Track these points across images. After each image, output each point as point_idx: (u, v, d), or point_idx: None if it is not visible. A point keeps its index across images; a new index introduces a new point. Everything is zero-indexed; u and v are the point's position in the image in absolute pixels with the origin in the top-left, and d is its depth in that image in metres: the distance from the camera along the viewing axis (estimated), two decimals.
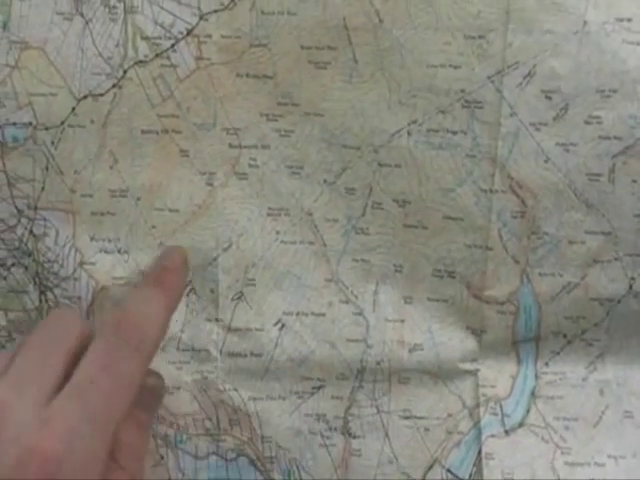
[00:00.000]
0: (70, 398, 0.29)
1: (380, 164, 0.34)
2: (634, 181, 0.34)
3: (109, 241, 0.35)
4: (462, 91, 0.34)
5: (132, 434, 0.31)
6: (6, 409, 0.28)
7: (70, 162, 0.34)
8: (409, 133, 0.34)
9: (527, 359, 0.36)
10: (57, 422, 0.28)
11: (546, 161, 0.34)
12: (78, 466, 0.27)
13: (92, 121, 0.34)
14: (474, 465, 0.35)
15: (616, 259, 0.35)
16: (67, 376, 0.29)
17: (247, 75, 0.34)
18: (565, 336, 0.36)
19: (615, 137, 0.34)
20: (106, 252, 0.35)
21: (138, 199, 0.34)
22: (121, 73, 0.33)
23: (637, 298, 0.35)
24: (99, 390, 0.29)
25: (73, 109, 0.34)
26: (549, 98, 0.34)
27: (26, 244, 0.35)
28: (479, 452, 0.35)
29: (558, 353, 0.36)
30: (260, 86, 0.34)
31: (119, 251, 0.35)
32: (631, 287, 0.35)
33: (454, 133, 0.34)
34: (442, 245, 0.35)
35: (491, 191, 0.34)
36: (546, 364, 0.36)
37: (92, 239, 0.35)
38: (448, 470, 0.35)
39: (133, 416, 0.31)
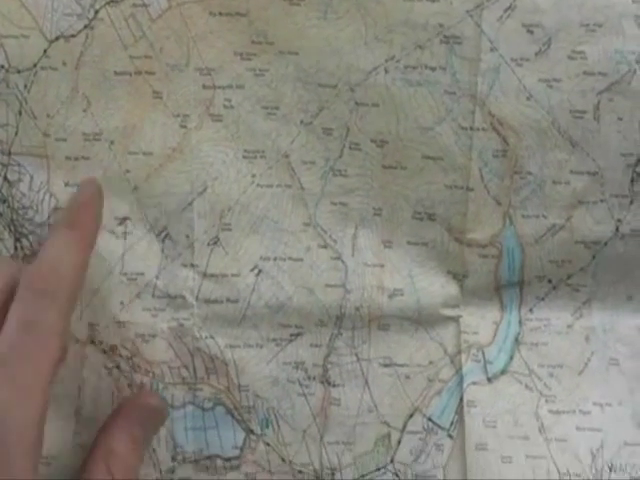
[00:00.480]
0: None
1: (357, 103, 0.33)
2: (620, 119, 0.33)
3: None
4: (440, 26, 0.33)
5: (126, 448, 0.31)
6: None
7: (43, 106, 0.33)
8: (386, 70, 0.33)
9: (511, 305, 0.35)
10: None
11: (528, 98, 0.33)
12: (12, 439, 0.27)
13: (64, 63, 0.33)
14: (455, 413, 0.34)
15: (602, 200, 0.34)
16: None
17: (220, 13, 0.33)
18: (550, 281, 0.35)
19: (600, 73, 0.33)
20: None
21: (112, 143, 0.33)
22: (92, 13, 0.33)
23: (624, 241, 0.34)
24: (21, 355, 0.28)
25: (45, 51, 0.33)
26: (531, 32, 0.33)
27: (0, 191, 0.34)
28: (461, 400, 0.34)
29: (543, 299, 0.35)
30: (233, 24, 0.33)
31: None
32: (617, 229, 0.34)
33: (432, 69, 0.33)
34: (421, 186, 0.34)
35: (471, 129, 0.33)
36: (530, 310, 0.35)
37: (67, 184, 0.34)
38: (429, 419, 0.34)
39: (129, 431, 0.31)
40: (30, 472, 0.27)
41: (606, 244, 0.34)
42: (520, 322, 0.35)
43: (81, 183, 0.33)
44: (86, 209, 0.33)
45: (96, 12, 0.33)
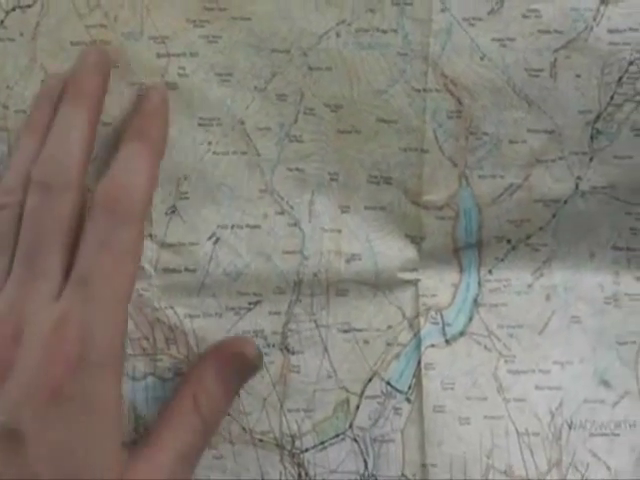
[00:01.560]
0: (77, 289, 0.28)
1: (310, 67, 0.33)
2: (578, 76, 0.33)
3: None
4: None
5: (218, 389, 0.31)
6: (22, 312, 0.28)
7: (2, 77, 0.33)
8: (338, 34, 0.33)
9: (469, 267, 0.35)
10: (71, 319, 0.28)
11: (482, 57, 0.33)
12: (99, 361, 0.28)
13: (21, 34, 0.33)
14: (414, 376, 0.34)
15: (561, 158, 0.34)
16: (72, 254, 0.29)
17: None
18: (509, 241, 0.34)
19: (556, 31, 0.33)
20: None
21: None
22: None
23: (584, 198, 0.34)
24: (101, 274, 0.28)
25: (2, 22, 0.33)
26: None
27: None
28: (419, 363, 0.34)
29: (502, 260, 0.35)
30: None
31: None
32: (577, 186, 0.34)
33: (384, 32, 0.33)
34: (377, 150, 0.34)
35: (424, 90, 0.33)
36: (489, 272, 0.35)
37: None
38: (387, 383, 0.34)
39: (223, 374, 0.31)
40: (117, 388, 0.29)
41: (566, 202, 0.34)
42: (479, 283, 0.35)
43: (147, 90, 0.33)
44: (155, 118, 0.32)
45: None
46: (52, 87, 0.33)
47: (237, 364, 0.32)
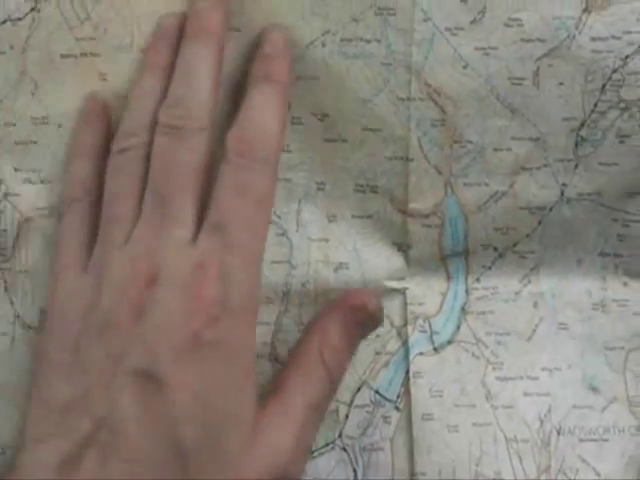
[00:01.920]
0: (214, 234, 0.28)
1: (297, 77, 0.33)
2: (561, 84, 0.33)
3: (33, 171, 0.34)
4: None
5: (342, 343, 0.31)
6: (156, 255, 0.28)
7: None
8: (323, 44, 0.33)
9: (457, 275, 0.35)
10: (209, 264, 0.27)
11: (465, 67, 0.33)
12: (238, 306, 0.28)
13: (12, 47, 0.33)
14: (402, 385, 0.34)
15: (545, 165, 0.34)
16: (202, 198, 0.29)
17: None
18: (496, 249, 0.35)
19: (538, 39, 0.33)
20: (30, 182, 0.34)
21: (59, 126, 0.34)
22: None
23: (570, 205, 0.34)
24: (239, 220, 0.28)
25: None
26: (464, 2, 0.33)
27: None
28: (407, 371, 0.34)
29: (489, 267, 0.35)
30: (175, 3, 0.33)
31: (42, 181, 0.34)
32: (563, 193, 0.34)
33: (368, 41, 0.33)
34: (363, 158, 0.34)
35: (408, 99, 0.33)
36: (477, 279, 0.35)
37: (16, 170, 0.34)
38: (376, 391, 0.34)
39: (346, 328, 0.31)
40: (253, 335, 0.28)
41: (551, 209, 0.34)
42: (467, 291, 0.35)
43: (267, 32, 0.32)
44: (280, 60, 0.32)
45: None
46: (168, 26, 0.32)
47: (360, 317, 0.32)
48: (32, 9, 0.33)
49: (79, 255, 0.30)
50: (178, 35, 0.32)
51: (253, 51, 0.33)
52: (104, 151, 0.32)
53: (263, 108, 0.30)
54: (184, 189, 0.29)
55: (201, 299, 0.27)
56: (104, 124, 0.33)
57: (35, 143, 0.33)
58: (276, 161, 0.30)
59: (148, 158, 0.30)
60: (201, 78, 0.30)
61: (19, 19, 0.33)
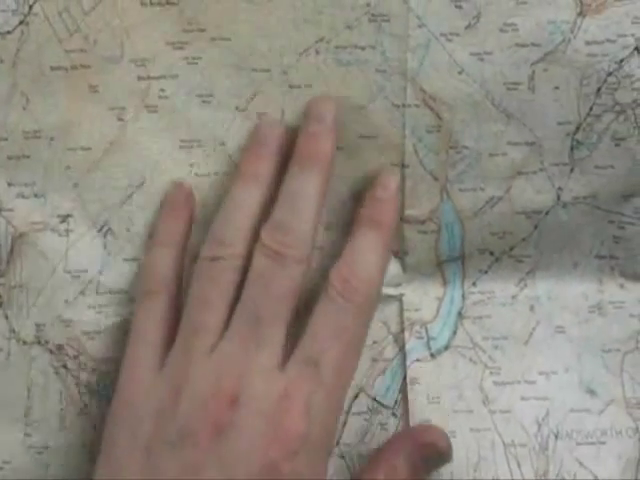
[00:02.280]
0: (305, 368, 0.28)
1: (290, 86, 0.33)
2: (556, 88, 0.33)
3: (26, 185, 0.34)
4: (367, 5, 0.33)
5: (407, 476, 0.31)
6: (243, 375, 0.28)
7: None
8: (317, 52, 0.33)
9: (453, 280, 0.35)
10: (296, 397, 0.28)
11: (460, 72, 0.33)
12: (317, 443, 0.28)
13: (2, 60, 0.33)
14: (400, 391, 0.34)
15: (541, 169, 0.34)
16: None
17: (151, 3, 0.33)
18: (492, 253, 0.35)
19: (533, 44, 0.33)
20: (23, 197, 0.34)
21: (51, 139, 0.34)
22: (27, 9, 0.33)
23: (566, 208, 0.34)
24: (332, 360, 0.28)
25: None
26: (459, 7, 0.32)
27: None
28: (404, 378, 0.34)
29: (486, 272, 0.35)
30: (165, 13, 0.33)
31: (36, 195, 0.34)
32: (559, 197, 0.34)
33: (362, 48, 0.33)
34: (358, 165, 0.34)
35: (404, 106, 0.33)
36: (474, 284, 0.35)
37: (10, 184, 0.34)
38: (374, 399, 0.34)
39: (412, 459, 0.31)
40: (325, 471, 0.29)
41: (548, 213, 0.34)
42: (463, 296, 0.35)
43: (382, 175, 0.32)
44: (391, 204, 0.32)
45: (30, 7, 0.33)
46: (268, 135, 0.32)
47: (428, 453, 0.32)
48: (21, 22, 0.32)
49: (155, 352, 0.30)
50: (278, 145, 0.32)
51: (242, 61, 0.33)
52: (185, 242, 0.32)
53: (369, 253, 0.30)
54: (278, 316, 0.29)
55: (284, 430, 0.27)
56: (188, 214, 0.33)
57: (28, 157, 0.33)
58: (373, 309, 0.31)
59: (240, 270, 0.30)
60: (308, 207, 0.30)
61: (8, 32, 0.33)
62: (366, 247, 0.30)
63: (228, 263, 0.30)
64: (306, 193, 0.30)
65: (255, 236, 0.30)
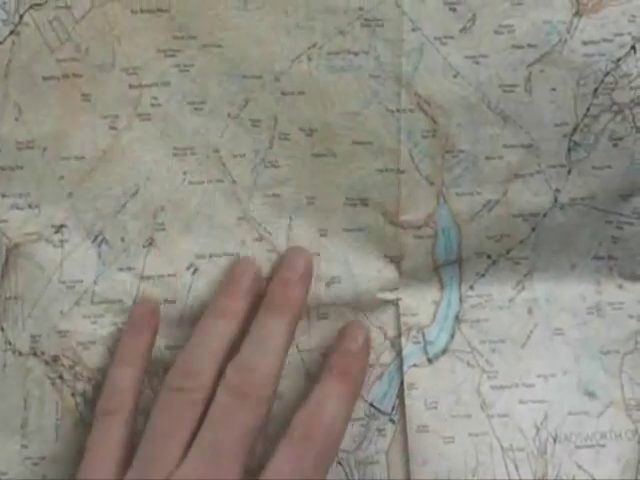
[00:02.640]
0: None
1: (283, 93, 0.33)
2: (553, 89, 0.33)
3: (20, 196, 0.34)
4: (360, 9, 0.32)
5: None
6: None
7: None
8: (309, 58, 0.33)
9: (450, 284, 0.35)
10: None
11: (455, 75, 0.32)
12: None
13: None
14: (397, 397, 0.34)
15: (539, 172, 0.34)
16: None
17: (142, 10, 0.33)
18: (489, 256, 0.34)
19: (529, 45, 0.32)
20: (18, 208, 0.34)
21: (44, 149, 0.34)
22: (17, 18, 0.32)
23: (563, 210, 0.34)
24: None
25: None
26: (454, 10, 0.32)
27: None
28: (401, 383, 0.34)
29: (483, 275, 0.35)
30: (155, 21, 0.33)
31: (30, 206, 0.34)
32: (556, 199, 0.34)
33: (355, 54, 0.32)
34: (353, 172, 0.34)
35: (398, 111, 0.33)
36: (471, 287, 0.35)
37: (3, 196, 0.34)
38: (371, 404, 0.34)
39: None
40: None
41: (545, 215, 0.34)
42: (460, 300, 0.35)
43: (351, 324, 0.33)
44: (361, 357, 0.33)
45: (21, 16, 0.33)
46: (243, 273, 0.33)
47: None
48: (11, 32, 0.32)
49: (109, 473, 0.30)
50: (251, 285, 0.32)
51: (234, 68, 0.33)
52: (148, 359, 0.32)
53: (334, 402, 0.31)
54: (236, 454, 0.29)
55: None
56: (152, 331, 0.33)
57: (21, 168, 0.33)
58: (333, 457, 0.31)
59: (203, 403, 0.30)
60: (275, 350, 0.31)
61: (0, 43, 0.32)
62: (331, 396, 0.31)
63: (191, 396, 0.30)
64: (273, 337, 0.31)
65: (221, 371, 0.30)
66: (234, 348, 0.31)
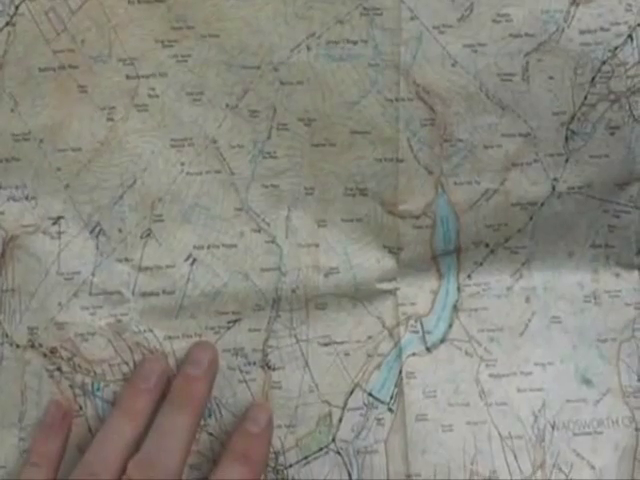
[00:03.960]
0: None
1: (282, 82, 0.33)
2: (550, 78, 0.33)
3: (16, 188, 0.34)
4: None
5: None
6: None
7: None
8: (308, 47, 0.33)
9: (448, 273, 0.35)
10: None
11: (453, 64, 0.32)
12: None
13: None
14: (395, 386, 0.34)
15: (536, 161, 0.34)
16: None
17: (138, 1, 0.33)
18: (487, 245, 0.35)
19: (527, 34, 0.33)
20: (14, 200, 0.34)
21: (41, 141, 0.33)
22: (13, 9, 0.32)
23: (561, 199, 0.34)
24: None
25: None
26: None
27: None
28: (400, 372, 0.34)
29: (481, 264, 0.35)
30: (153, 11, 0.33)
31: (27, 198, 0.34)
32: (554, 188, 0.34)
33: (354, 43, 0.32)
34: (351, 162, 0.34)
35: (397, 100, 0.33)
36: (469, 276, 0.35)
37: (0, 188, 0.34)
38: (369, 394, 0.34)
39: None
40: None
41: (543, 204, 0.34)
42: (458, 289, 0.35)
43: (255, 407, 0.33)
44: (263, 440, 0.33)
45: (16, 7, 0.32)
46: (149, 372, 0.33)
47: None
48: (7, 23, 0.32)
49: None
50: (157, 381, 0.32)
51: (232, 58, 0.33)
52: (60, 461, 0.33)
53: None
54: None
55: None
56: (64, 433, 0.33)
57: (18, 160, 0.33)
58: None
59: None
60: (176, 444, 0.31)
61: None
62: (230, 477, 0.31)
63: None
64: (175, 431, 0.31)
65: (124, 469, 0.31)
66: (139, 446, 0.31)
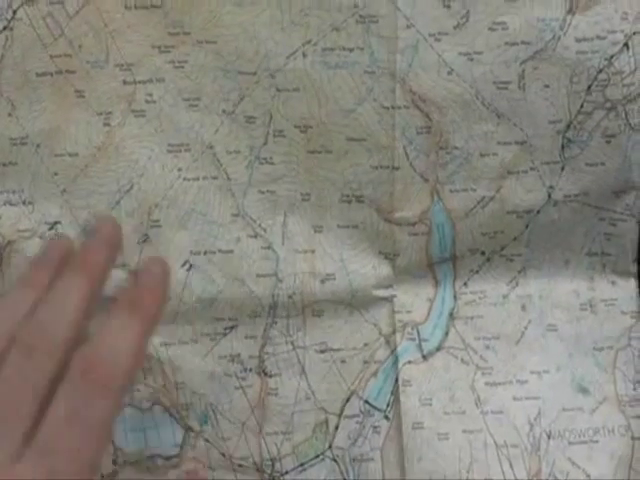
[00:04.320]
0: (39, 458, 0.27)
1: (278, 89, 0.33)
2: (547, 86, 0.33)
3: (13, 193, 0.34)
4: (355, 6, 0.32)
5: None
6: None
7: None
8: (304, 54, 0.33)
9: (444, 280, 0.35)
10: None
11: (449, 72, 0.32)
12: None
13: None
14: (392, 394, 0.34)
15: (532, 169, 0.34)
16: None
17: (135, 6, 0.33)
18: (483, 253, 0.35)
19: (523, 42, 0.33)
20: (11, 204, 0.34)
21: (38, 146, 0.33)
22: (11, 14, 0.32)
23: (557, 207, 0.34)
24: (67, 446, 0.27)
25: None
26: (448, 7, 0.32)
27: None
28: (396, 380, 0.34)
29: (477, 272, 0.35)
30: (150, 17, 0.33)
31: (24, 202, 0.34)
32: (550, 196, 0.34)
33: (350, 50, 0.32)
34: (348, 168, 0.34)
35: (393, 107, 0.33)
36: (465, 284, 0.35)
37: None
38: (365, 401, 0.34)
39: None
40: None
41: (539, 212, 0.34)
42: (455, 297, 0.35)
43: (148, 260, 0.31)
44: (152, 292, 0.30)
45: (14, 12, 0.32)
46: (55, 247, 0.31)
47: None
48: (5, 28, 0.32)
49: None
50: (58, 256, 0.31)
51: (229, 65, 0.33)
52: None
53: (122, 334, 0.28)
54: (18, 408, 0.28)
55: None
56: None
57: (15, 164, 0.33)
58: (121, 391, 0.28)
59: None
60: (66, 306, 0.29)
61: None
62: (115, 329, 0.29)
63: None
64: (67, 294, 0.29)
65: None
66: None
